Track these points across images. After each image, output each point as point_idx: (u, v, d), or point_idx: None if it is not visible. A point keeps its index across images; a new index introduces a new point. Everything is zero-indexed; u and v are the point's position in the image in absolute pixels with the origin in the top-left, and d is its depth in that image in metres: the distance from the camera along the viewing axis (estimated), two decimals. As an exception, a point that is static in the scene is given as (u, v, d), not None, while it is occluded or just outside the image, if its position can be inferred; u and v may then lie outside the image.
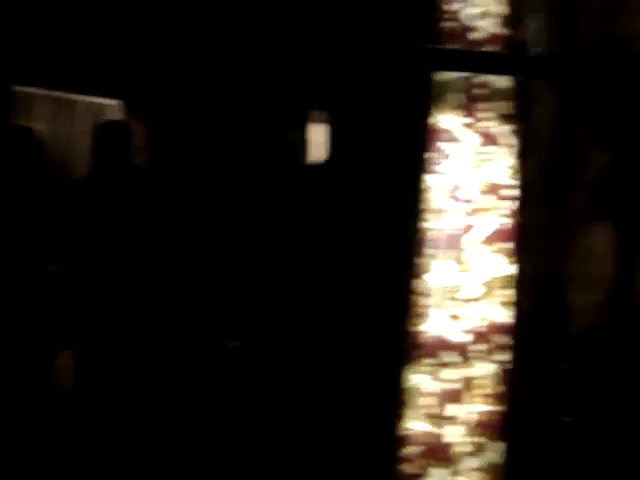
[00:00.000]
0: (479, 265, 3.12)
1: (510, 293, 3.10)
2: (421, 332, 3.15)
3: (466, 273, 3.14)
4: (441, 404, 3.17)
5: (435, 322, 3.15)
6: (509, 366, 3.09)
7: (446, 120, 3.13)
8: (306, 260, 3.59)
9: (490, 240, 3.12)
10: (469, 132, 3.12)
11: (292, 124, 4.11)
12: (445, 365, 3.16)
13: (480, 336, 3.14)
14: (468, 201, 3.12)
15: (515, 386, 3.06)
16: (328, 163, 3.56)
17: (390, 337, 3.19)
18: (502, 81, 3.13)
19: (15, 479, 3.34)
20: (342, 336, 3.36)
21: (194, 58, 3.86)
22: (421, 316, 3.15)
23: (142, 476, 3.49)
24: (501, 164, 3.11)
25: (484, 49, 3.13)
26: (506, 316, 3.10)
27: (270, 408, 3.63)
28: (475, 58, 3.00)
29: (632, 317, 2.93)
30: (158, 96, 4.04)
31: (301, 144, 4.16)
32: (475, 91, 3.13)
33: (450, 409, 3.16)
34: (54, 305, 3.54)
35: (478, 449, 3.19)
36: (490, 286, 3.12)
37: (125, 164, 3.57)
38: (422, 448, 3.19)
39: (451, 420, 3.18)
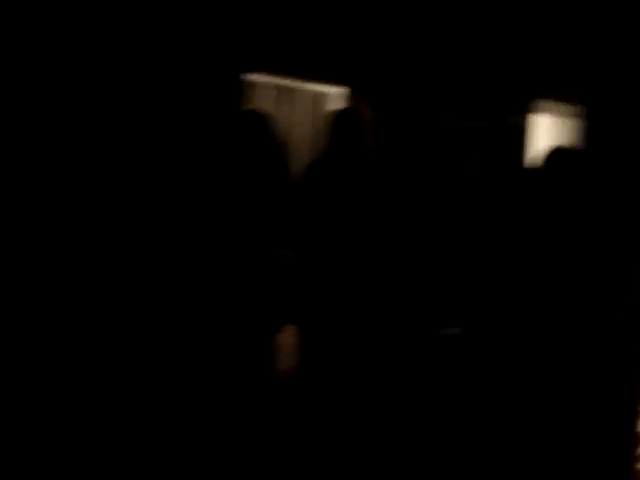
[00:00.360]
0: None
1: None
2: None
3: None
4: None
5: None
6: None
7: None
8: (533, 251, 3.53)
9: None
10: None
11: (515, 113, 4.06)
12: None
13: None
14: None
15: None
16: (574, 153, 3.48)
17: (628, 333, 3.09)
18: None
19: (236, 457, 3.44)
20: (575, 330, 3.28)
21: (420, 45, 3.86)
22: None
23: (358, 458, 3.54)
24: None
25: None
26: None
27: (490, 399, 3.59)
28: None
29: None
30: (385, 84, 4.07)
31: (523, 134, 4.11)
32: None
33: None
34: (281, 286, 3.63)
35: None
36: None
37: (359, 151, 3.62)
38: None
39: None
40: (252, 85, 4.35)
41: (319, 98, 4.52)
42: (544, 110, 4.22)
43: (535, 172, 3.66)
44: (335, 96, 4.50)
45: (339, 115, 3.65)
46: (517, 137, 4.17)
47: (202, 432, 3.46)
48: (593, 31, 3.09)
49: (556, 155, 3.55)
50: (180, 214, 3.58)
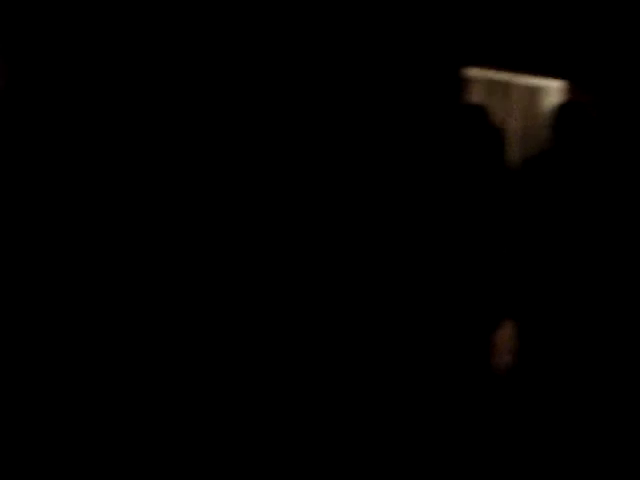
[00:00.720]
0: None
1: None
2: None
3: None
4: None
5: None
6: None
7: None
8: None
9: None
10: None
11: None
12: None
13: None
14: None
15: None
16: None
17: None
18: None
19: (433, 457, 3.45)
20: None
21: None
22: None
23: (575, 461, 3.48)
24: None
25: None
26: None
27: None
28: None
29: None
30: (610, 77, 3.95)
31: None
32: None
33: None
34: (500, 282, 3.61)
35: None
36: None
37: (584, 147, 3.55)
38: None
39: None
40: (467, 79, 4.37)
41: (534, 92, 4.47)
42: None
43: None
44: (551, 90, 4.44)
45: (563, 109, 3.58)
46: None
47: (411, 426, 3.52)
48: None
49: None
50: (408, 207, 3.64)
